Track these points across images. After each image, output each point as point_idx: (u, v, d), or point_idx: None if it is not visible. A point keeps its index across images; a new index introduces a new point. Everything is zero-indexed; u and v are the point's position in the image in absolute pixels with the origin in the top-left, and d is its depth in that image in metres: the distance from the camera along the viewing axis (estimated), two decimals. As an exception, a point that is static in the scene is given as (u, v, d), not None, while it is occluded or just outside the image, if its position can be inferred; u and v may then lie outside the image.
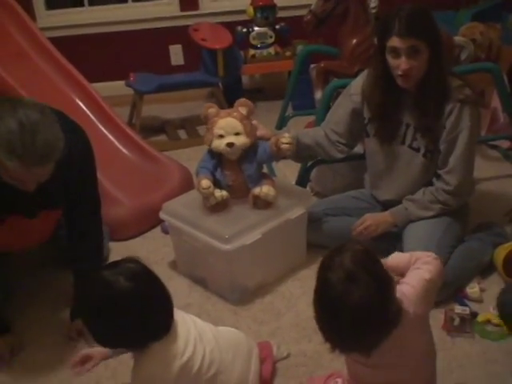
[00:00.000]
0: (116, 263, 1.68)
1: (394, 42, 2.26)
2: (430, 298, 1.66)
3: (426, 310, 1.66)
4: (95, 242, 2.43)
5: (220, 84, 4.25)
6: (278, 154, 2.48)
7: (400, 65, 2.28)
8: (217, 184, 2.47)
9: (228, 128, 2.39)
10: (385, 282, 1.53)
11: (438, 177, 2.44)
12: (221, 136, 2.40)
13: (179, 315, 1.78)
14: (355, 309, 1.47)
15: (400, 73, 2.30)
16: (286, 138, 2.43)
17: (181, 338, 1.73)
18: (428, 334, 1.71)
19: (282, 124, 3.67)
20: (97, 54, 4.78)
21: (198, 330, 1.79)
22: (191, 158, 3.35)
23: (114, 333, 1.63)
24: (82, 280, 2.27)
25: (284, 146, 2.43)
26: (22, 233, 2.28)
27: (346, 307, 1.47)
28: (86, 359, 1.93)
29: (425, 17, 2.32)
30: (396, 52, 2.28)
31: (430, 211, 2.44)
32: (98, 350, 1.88)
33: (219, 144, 2.41)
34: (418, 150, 2.44)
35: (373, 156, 2.61)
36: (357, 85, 2.56)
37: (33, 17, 4.50)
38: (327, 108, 2.79)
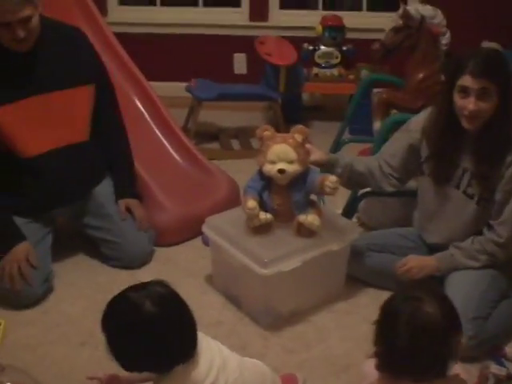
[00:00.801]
0: (144, 285, 1.65)
1: (467, 80, 2.21)
2: None
3: None
4: (119, 132, 2.89)
5: (279, 99, 4.23)
6: (321, 193, 2.46)
7: (468, 105, 2.22)
8: (263, 206, 2.44)
9: (281, 155, 2.36)
10: (451, 314, 1.56)
11: (490, 227, 2.36)
12: (273, 162, 2.38)
13: (205, 341, 1.74)
14: (419, 324, 1.49)
15: (466, 113, 2.24)
16: (332, 183, 2.36)
17: (204, 364, 1.69)
18: None
19: (336, 148, 3.62)
20: (160, 54, 4.82)
21: (222, 358, 1.75)
22: (241, 169, 3.31)
23: (138, 356, 1.60)
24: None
25: (327, 190, 2.37)
26: (42, 114, 2.56)
27: (412, 321, 1.50)
28: (111, 381, 1.91)
29: (501, 61, 2.28)
30: (466, 92, 2.22)
31: (476, 261, 2.36)
32: (125, 375, 1.85)
33: (271, 169, 2.38)
34: (472, 196, 2.38)
35: (425, 196, 2.55)
36: (417, 121, 2.50)
37: (104, 10, 4.57)
38: (384, 141, 2.74)
